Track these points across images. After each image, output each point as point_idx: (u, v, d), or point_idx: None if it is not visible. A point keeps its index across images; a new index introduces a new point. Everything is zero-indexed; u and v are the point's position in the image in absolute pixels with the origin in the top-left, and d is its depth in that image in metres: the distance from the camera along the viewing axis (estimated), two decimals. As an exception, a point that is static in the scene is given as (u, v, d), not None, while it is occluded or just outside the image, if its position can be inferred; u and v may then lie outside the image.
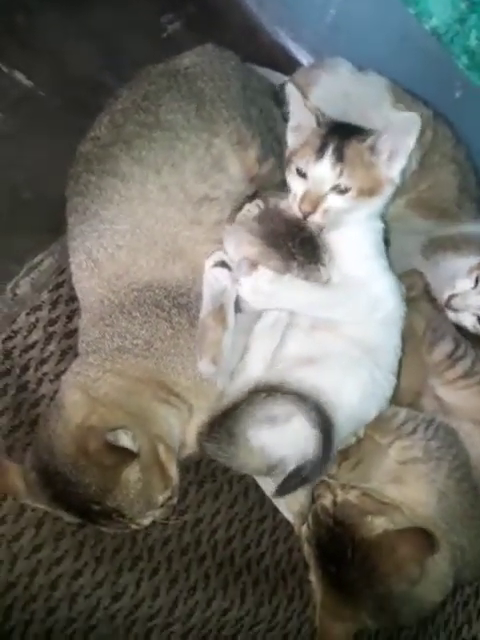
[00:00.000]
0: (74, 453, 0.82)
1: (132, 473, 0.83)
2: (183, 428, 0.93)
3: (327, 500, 1.00)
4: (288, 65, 1.42)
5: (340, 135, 0.93)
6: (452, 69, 1.29)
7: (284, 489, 0.93)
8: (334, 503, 0.99)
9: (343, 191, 0.91)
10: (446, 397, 1.10)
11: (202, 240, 0.96)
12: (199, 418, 0.92)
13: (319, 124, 0.95)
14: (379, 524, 0.96)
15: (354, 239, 0.96)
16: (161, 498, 0.87)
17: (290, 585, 1.10)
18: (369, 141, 0.92)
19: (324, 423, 0.87)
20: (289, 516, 1.13)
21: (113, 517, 0.84)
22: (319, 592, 0.99)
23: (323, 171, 0.91)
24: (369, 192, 0.93)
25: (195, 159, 0.97)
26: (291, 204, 0.94)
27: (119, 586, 0.96)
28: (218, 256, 0.95)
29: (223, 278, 0.94)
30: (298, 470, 0.89)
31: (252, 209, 0.98)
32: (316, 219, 0.91)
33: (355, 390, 0.94)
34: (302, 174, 0.92)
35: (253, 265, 0.90)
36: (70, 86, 1.22)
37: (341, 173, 0.90)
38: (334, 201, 0.91)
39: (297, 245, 0.92)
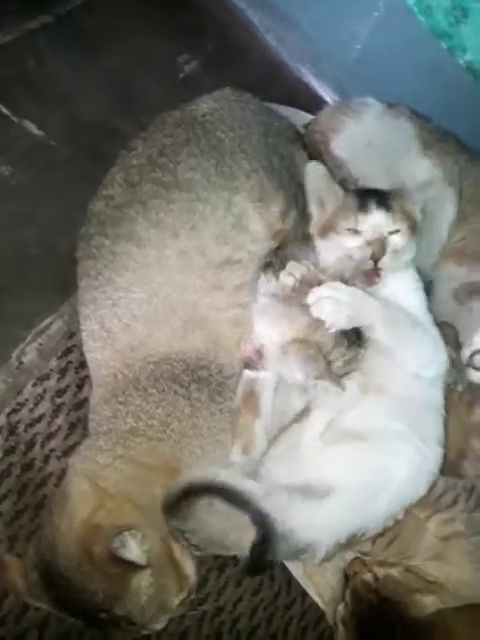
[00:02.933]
0: (78, 556, 0.74)
1: (143, 578, 0.75)
2: None
3: (368, 576, 0.92)
4: (311, 103, 1.35)
5: (372, 193, 0.97)
6: (488, 104, 1.22)
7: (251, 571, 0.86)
8: (376, 578, 0.92)
9: (397, 232, 0.94)
10: None
11: (224, 306, 0.88)
12: None
13: (345, 190, 0.98)
14: (430, 603, 0.88)
15: (412, 287, 0.98)
16: (177, 601, 0.79)
17: (321, 680, 1.01)
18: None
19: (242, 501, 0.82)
20: (319, 601, 1.03)
21: (122, 625, 0.76)
22: None
23: (378, 219, 0.93)
24: (412, 230, 0.96)
25: (215, 220, 0.89)
26: (348, 266, 0.91)
27: None
28: (247, 352, 0.88)
29: (252, 373, 0.88)
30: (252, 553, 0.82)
31: (287, 280, 0.90)
32: (387, 261, 0.92)
33: (402, 469, 0.89)
34: (355, 231, 0.93)
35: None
36: (82, 134, 1.16)
37: (393, 218, 0.94)
38: (395, 241, 0.94)
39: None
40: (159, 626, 0.80)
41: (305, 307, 0.85)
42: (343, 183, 1.11)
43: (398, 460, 0.88)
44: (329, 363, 0.84)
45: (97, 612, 0.75)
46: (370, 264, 0.90)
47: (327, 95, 1.40)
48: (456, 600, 0.89)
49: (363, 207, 0.93)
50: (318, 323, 0.84)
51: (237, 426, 0.86)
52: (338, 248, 0.92)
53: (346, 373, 0.87)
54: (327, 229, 0.95)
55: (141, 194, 0.90)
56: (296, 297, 0.87)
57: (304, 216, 1.01)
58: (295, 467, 0.87)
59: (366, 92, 1.21)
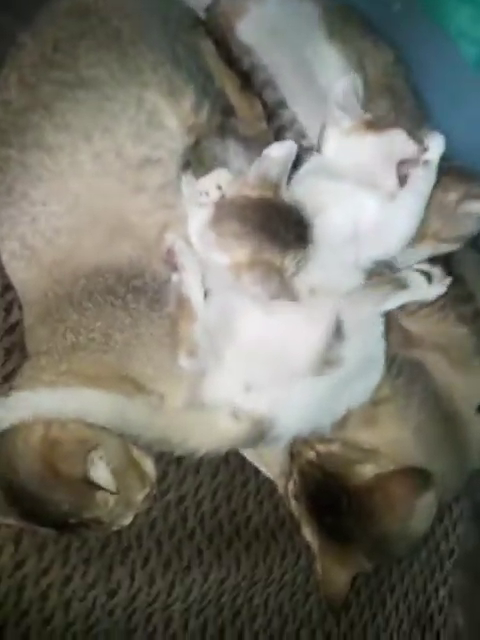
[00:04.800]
0: (40, 471, 0.76)
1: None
2: None
3: (311, 454, 1.00)
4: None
5: None
6: (389, -19, 1.18)
7: None
8: (318, 456, 0.99)
9: None
10: (410, 327, 1.09)
11: (149, 209, 0.86)
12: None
13: None
14: (368, 470, 0.97)
15: None
16: (140, 496, 0.84)
17: (281, 541, 1.11)
18: None
19: None
20: (271, 476, 1.12)
21: (91, 526, 0.80)
22: (316, 543, 1.00)
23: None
24: None
25: (128, 119, 0.85)
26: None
27: (113, 582, 0.94)
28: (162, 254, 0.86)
29: (175, 276, 0.86)
30: None
31: (210, 190, 0.87)
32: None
33: (363, 392, 0.97)
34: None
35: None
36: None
37: None
38: None
39: (291, 230, 0.84)
40: (127, 521, 0.85)
41: (243, 232, 0.83)
42: (254, 71, 1.08)
43: (360, 386, 0.96)
44: (283, 274, 0.84)
45: (66, 518, 0.79)
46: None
47: (224, -28, 1.31)
48: (391, 463, 0.97)
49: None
50: (261, 246, 0.83)
51: (177, 336, 0.85)
52: (388, 145, 0.91)
53: (301, 270, 0.87)
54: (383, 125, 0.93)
55: (42, 97, 0.84)
56: (228, 222, 0.84)
57: (216, 107, 0.97)
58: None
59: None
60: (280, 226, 0.84)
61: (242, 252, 0.83)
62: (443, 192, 0.94)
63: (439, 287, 0.98)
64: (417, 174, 0.90)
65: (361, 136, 0.93)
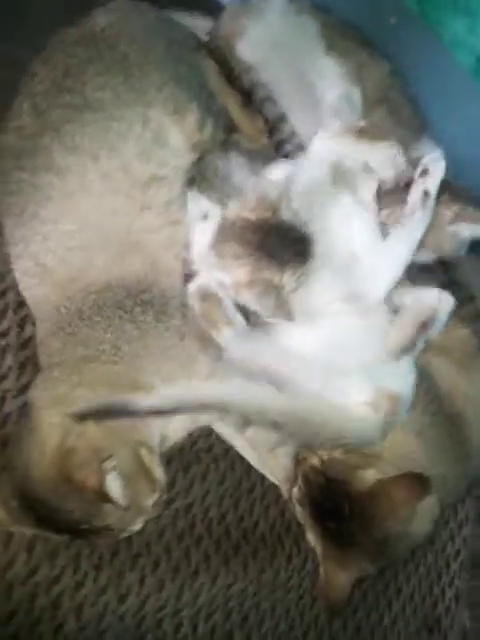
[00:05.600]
0: (55, 478, 0.79)
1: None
2: (163, 424, 0.89)
3: (314, 460, 1.02)
4: (208, 5, 1.30)
5: None
6: (386, -7, 1.22)
7: None
8: (322, 462, 1.01)
9: None
10: None
11: (156, 227, 0.89)
12: None
13: None
14: (370, 476, 0.98)
15: None
16: (150, 502, 0.86)
17: (287, 545, 1.13)
18: None
19: None
20: (275, 481, 1.14)
21: (102, 534, 0.83)
22: (319, 547, 1.02)
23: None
24: None
25: (134, 137, 0.88)
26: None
27: (123, 587, 0.96)
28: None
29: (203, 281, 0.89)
30: None
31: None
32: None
33: None
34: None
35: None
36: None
37: None
38: None
39: (289, 248, 0.85)
40: (137, 528, 0.88)
41: (243, 253, 0.85)
42: (254, 88, 1.12)
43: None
44: (281, 290, 0.86)
45: (78, 525, 0.82)
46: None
47: (221, -5, 1.34)
48: (393, 467, 0.98)
49: None
50: (260, 265, 0.85)
51: (210, 320, 0.87)
52: (378, 156, 0.91)
53: (302, 285, 0.87)
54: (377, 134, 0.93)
55: (52, 121, 0.87)
56: (228, 244, 0.86)
57: (219, 123, 1.01)
58: None
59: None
60: (278, 245, 0.85)
61: (242, 271, 0.85)
62: (443, 208, 0.94)
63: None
64: (414, 215, 0.89)
65: (351, 142, 0.93)
